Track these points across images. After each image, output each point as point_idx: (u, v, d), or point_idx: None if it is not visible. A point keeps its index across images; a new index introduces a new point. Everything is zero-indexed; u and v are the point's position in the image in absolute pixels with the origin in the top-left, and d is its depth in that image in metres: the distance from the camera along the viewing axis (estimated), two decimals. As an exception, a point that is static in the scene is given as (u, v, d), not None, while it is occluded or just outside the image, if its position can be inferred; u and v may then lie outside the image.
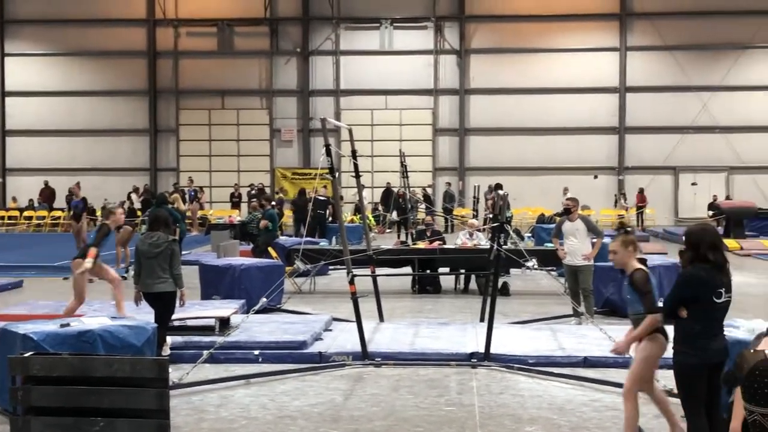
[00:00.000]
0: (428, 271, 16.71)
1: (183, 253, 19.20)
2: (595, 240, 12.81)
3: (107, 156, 39.35)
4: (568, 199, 13.05)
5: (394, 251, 16.62)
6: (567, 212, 12.82)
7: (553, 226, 22.36)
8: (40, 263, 20.55)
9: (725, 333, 6.07)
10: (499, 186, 22.04)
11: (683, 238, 6.14)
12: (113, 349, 7.49)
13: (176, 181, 38.21)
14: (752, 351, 4.03)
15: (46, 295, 15.64)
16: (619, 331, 9.69)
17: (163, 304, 9.87)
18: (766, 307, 14.19)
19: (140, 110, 39.58)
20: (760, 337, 4.75)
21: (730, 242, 24.32)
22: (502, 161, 37.69)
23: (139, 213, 33.32)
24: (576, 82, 37.63)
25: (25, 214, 36.83)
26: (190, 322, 10.87)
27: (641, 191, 36.23)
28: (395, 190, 31.06)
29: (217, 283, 14.16)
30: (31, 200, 37.85)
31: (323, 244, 18.97)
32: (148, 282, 9.86)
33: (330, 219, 25.53)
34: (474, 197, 33.76)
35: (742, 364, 3.84)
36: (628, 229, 6.74)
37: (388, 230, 30.98)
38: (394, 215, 29.78)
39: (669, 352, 6.16)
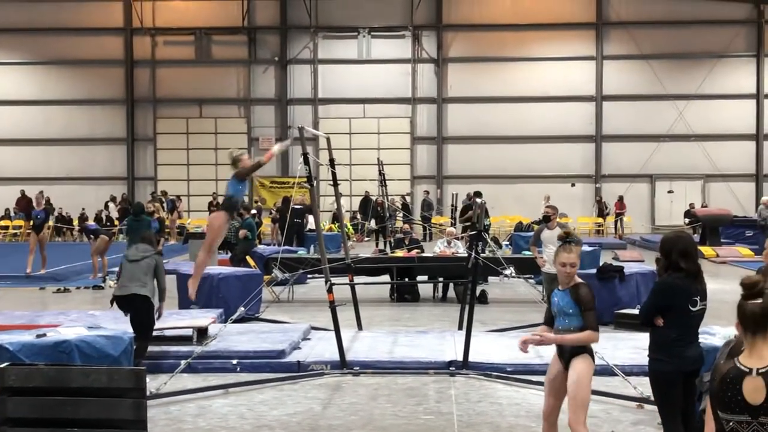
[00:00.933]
0: (406, 280, 16.73)
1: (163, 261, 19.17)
2: None
3: (84, 165, 39.12)
4: (547, 206, 13.06)
5: (373, 260, 16.63)
6: (546, 220, 12.85)
7: (531, 234, 22.47)
8: (16, 273, 20.39)
9: (701, 340, 6.12)
10: (478, 194, 22.10)
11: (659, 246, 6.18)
12: (90, 359, 7.47)
13: (154, 190, 38.05)
14: (722, 362, 4.07)
15: (22, 305, 15.53)
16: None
17: (135, 310, 9.72)
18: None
19: (117, 119, 39.40)
20: (728, 344, 4.79)
21: (706, 249, 24.49)
22: (479, 169, 37.80)
23: (116, 222, 33.20)
24: (553, 91, 37.84)
25: (1, 223, 36.51)
26: (167, 332, 10.83)
27: (620, 199, 36.49)
28: (373, 198, 31.10)
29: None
30: (7, 210, 37.54)
31: (301, 252, 18.95)
32: (125, 284, 9.80)
33: (308, 227, 25.50)
34: (452, 205, 33.81)
35: (714, 375, 3.88)
36: (572, 239, 6.59)
37: (366, 239, 30.99)
38: (373, 224, 29.80)
39: (645, 360, 6.19)
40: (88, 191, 38.02)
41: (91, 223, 21.56)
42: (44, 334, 7.71)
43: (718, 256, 24.72)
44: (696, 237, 26.93)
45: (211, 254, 10.76)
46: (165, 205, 32.65)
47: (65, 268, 21.39)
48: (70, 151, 39.19)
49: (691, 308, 5.81)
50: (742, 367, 3.78)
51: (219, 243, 11.13)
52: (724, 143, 37.80)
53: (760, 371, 3.74)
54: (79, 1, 38.96)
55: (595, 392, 8.34)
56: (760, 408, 3.71)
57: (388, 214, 24.56)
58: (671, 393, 5.83)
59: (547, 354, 10.36)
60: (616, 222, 35.91)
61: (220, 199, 36.25)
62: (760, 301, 3.83)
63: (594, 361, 6.15)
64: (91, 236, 20.80)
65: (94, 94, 39.15)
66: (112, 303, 10.03)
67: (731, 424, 3.78)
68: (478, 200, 11.33)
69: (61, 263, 22.08)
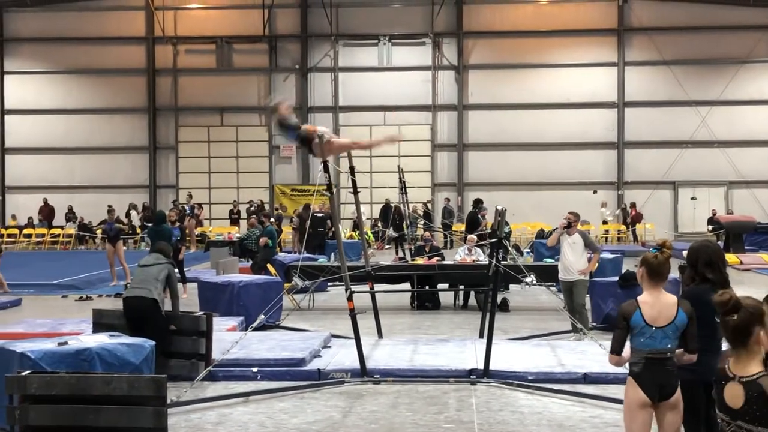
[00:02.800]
0: (427, 288, 16.69)
1: (185, 269, 19.24)
2: (591, 255, 12.79)
3: (106, 173, 39.36)
4: (569, 212, 12.90)
5: (393, 267, 16.60)
6: (567, 226, 12.76)
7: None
8: (39, 281, 20.53)
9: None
10: (479, 201, 21.97)
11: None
12: (111, 367, 7.48)
13: (175, 198, 38.26)
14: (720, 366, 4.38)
15: (45, 314, 15.62)
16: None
17: (140, 314, 9.67)
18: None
19: (139, 127, 39.63)
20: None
21: (729, 257, 24.25)
22: (500, 176, 37.72)
23: (138, 230, 33.35)
24: (574, 97, 37.72)
25: (25, 231, 36.81)
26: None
27: (633, 205, 36.33)
28: (393, 205, 31.10)
29: (216, 300, 14.14)
30: (30, 218, 37.83)
31: (322, 260, 18.95)
32: (134, 287, 9.82)
33: (329, 235, 25.50)
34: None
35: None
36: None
37: (387, 246, 30.95)
38: (392, 231, 29.75)
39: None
40: (111, 199, 38.05)
41: (111, 221, 21.51)
42: (66, 342, 7.73)
43: (741, 263, 24.49)
44: (719, 244, 26.71)
45: None
46: (187, 211, 32.68)
47: (87, 276, 21.50)
48: (93, 159, 39.45)
49: (717, 319, 5.73)
50: (729, 373, 4.20)
51: None
52: (747, 149, 37.52)
53: (742, 379, 4.13)
54: (102, 11, 39.27)
55: (616, 401, 8.27)
56: (738, 412, 4.10)
57: (408, 222, 24.49)
58: (695, 402, 5.77)
59: (569, 362, 10.31)
60: (633, 230, 35.67)
61: (241, 207, 36.50)
62: (735, 317, 4.27)
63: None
64: (105, 236, 20.82)
65: (116, 103, 39.41)
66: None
67: (719, 420, 4.24)
68: (498, 207, 11.24)
69: (83, 271, 22.21)
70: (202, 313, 10.33)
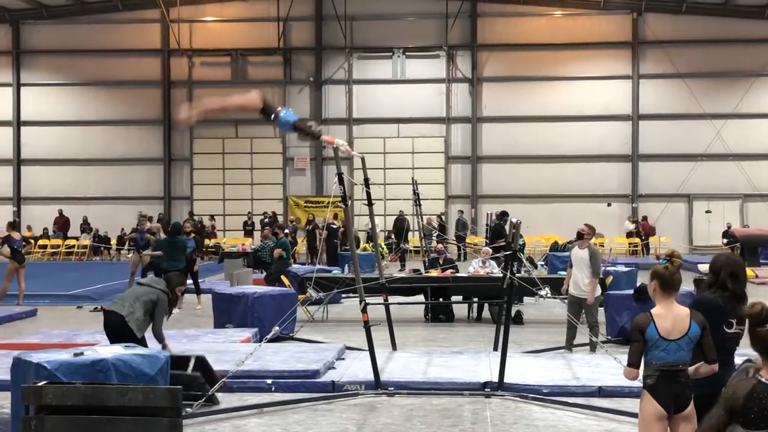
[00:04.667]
0: (441, 300, 16.67)
1: (199, 280, 19.27)
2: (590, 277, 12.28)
3: (121, 185, 39.52)
4: (584, 224, 12.73)
5: (407, 279, 16.59)
6: (579, 237, 12.66)
7: (567, 254, 22.30)
8: (54, 292, 20.60)
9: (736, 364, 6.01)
10: (505, 213, 21.93)
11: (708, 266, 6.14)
12: (126, 378, 7.49)
13: (191, 209, 38.42)
14: (740, 380, 4.28)
15: (60, 324, 15.69)
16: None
17: (111, 329, 9.37)
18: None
19: (154, 139, 39.81)
20: (745, 369, 4.75)
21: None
22: (514, 189, 37.68)
23: (152, 241, 33.40)
24: (588, 110, 37.68)
25: (40, 242, 36.98)
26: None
27: (645, 219, 36.26)
28: (407, 218, 31.15)
29: (230, 311, 14.18)
30: (45, 229, 38.00)
31: (336, 272, 18.96)
32: (115, 302, 9.67)
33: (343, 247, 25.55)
34: (487, 225, 33.70)
35: (737, 393, 4.04)
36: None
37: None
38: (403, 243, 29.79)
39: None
40: (126, 211, 38.35)
41: (142, 230, 21.50)
42: (81, 353, 7.75)
43: (757, 276, 24.33)
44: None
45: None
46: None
47: (102, 287, 21.57)
48: (108, 171, 39.63)
49: (726, 329, 5.71)
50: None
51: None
52: (762, 162, 37.38)
53: None
54: (118, 24, 39.53)
55: (631, 414, 8.22)
56: None
57: (423, 234, 24.55)
58: (704, 414, 5.72)
59: (584, 376, 10.26)
60: (646, 243, 35.58)
61: (255, 219, 36.51)
62: (767, 327, 4.20)
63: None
64: (133, 247, 20.83)
65: (131, 115, 39.61)
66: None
67: None
68: (513, 219, 11.18)
69: (99, 282, 22.29)
70: (194, 355, 9.71)
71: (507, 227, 20.57)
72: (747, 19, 37.37)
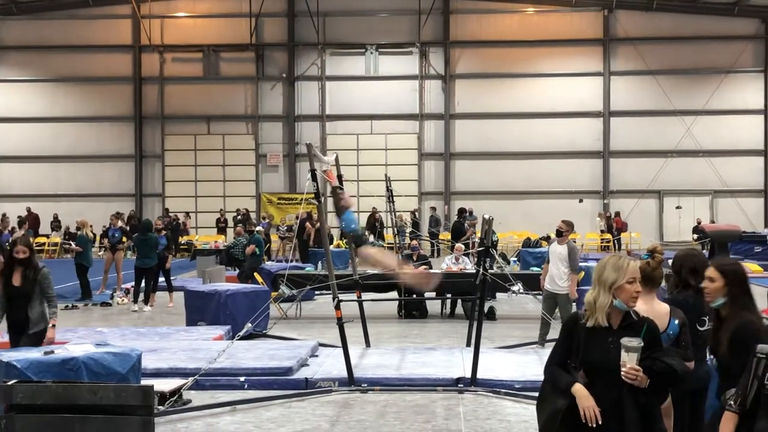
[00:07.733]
0: (414, 296, 16.68)
1: (171, 278, 19.20)
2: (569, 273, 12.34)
3: (91, 182, 39.22)
4: (562, 221, 12.76)
5: (380, 276, 16.58)
6: (558, 234, 12.70)
7: (540, 250, 22.40)
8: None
9: (708, 360, 6.06)
10: (463, 210, 21.99)
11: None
12: (98, 376, 7.45)
13: (166, 208, 38.18)
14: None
15: (30, 322, 15.49)
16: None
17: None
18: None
19: (125, 136, 39.53)
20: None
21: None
22: (487, 185, 37.81)
23: (124, 239, 33.20)
24: (560, 107, 37.87)
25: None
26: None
27: (617, 215, 36.52)
28: (378, 215, 31.17)
29: (202, 308, 14.11)
30: (13, 228, 37.58)
31: (309, 269, 18.93)
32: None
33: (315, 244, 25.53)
34: (446, 223, 33.89)
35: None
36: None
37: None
38: (371, 238, 29.75)
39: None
40: (96, 208, 38.05)
41: (115, 227, 21.45)
42: (52, 352, 7.69)
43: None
44: (705, 253, 26.82)
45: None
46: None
47: (73, 284, 21.37)
48: (79, 167, 39.32)
49: (699, 327, 5.74)
50: None
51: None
52: (732, 159, 37.76)
53: None
54: (89, 19, 39.21)
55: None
56: None
57: (396, 231, 24.57)
58: (678, 412, 5.77)
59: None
60: (618, 239, 35.84)
61: (228, 216, 36.35)
62: None
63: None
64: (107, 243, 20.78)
65: (102, 111, 39.31)
66: None
67: None
68: (486, 215, 11.19)
69: (69, 280, 22.08)
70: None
71: (468, 224, 20.66)
72: (717, 16, 37.70)
